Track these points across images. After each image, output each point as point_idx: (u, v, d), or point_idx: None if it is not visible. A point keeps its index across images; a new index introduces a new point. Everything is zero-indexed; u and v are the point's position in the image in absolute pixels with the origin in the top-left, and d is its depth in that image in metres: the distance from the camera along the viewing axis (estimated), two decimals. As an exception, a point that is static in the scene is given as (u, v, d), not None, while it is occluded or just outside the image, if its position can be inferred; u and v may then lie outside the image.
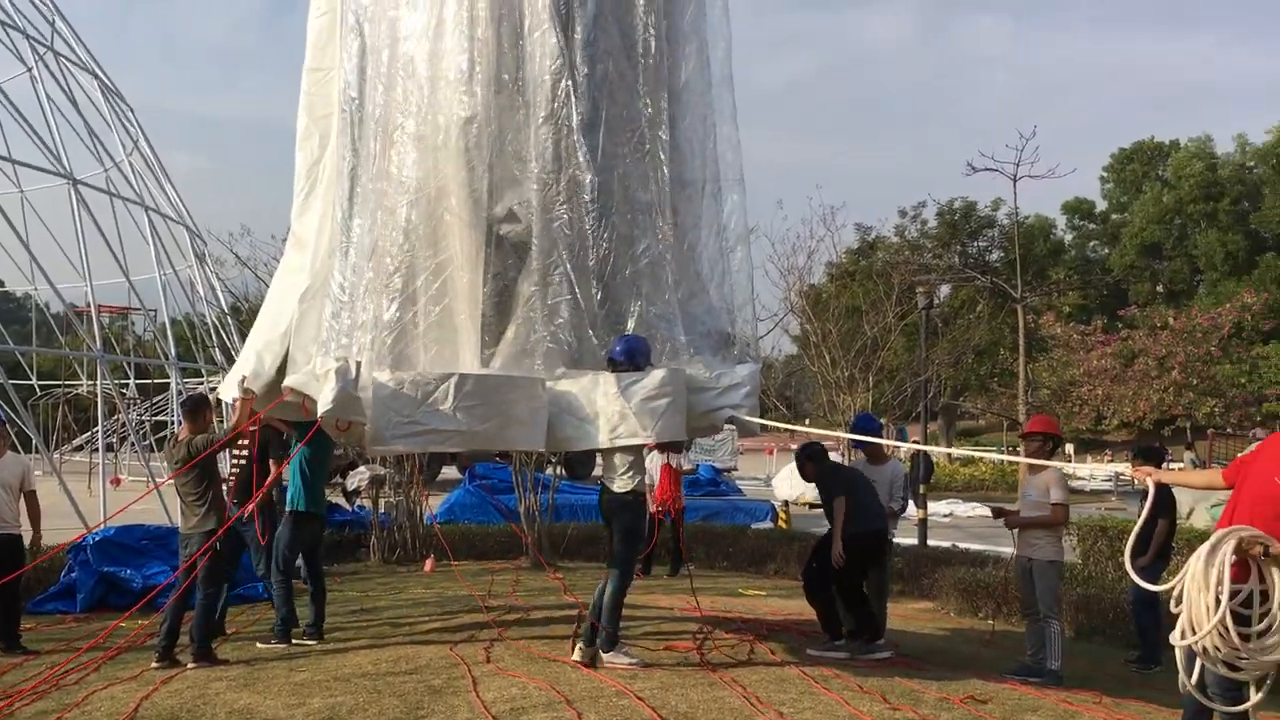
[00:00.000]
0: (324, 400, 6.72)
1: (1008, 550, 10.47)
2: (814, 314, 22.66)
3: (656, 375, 7.07)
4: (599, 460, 8.44)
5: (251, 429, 8.21)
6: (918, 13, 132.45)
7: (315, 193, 8.34)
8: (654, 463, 13.08)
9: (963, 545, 15.97)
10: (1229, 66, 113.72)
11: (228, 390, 8.46)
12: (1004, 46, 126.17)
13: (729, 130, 8.26)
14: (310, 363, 7.40)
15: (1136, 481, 6.34)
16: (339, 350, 7.07)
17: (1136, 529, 5.88)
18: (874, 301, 24.68)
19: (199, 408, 8.07)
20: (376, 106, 7.53)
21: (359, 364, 6.81)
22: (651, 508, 13.85)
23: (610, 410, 7.08)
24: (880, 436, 9.73)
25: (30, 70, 19.29)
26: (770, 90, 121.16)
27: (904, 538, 15.16)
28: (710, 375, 7.46)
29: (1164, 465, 11.05)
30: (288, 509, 8.75)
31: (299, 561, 9.00)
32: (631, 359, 7.18)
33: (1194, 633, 4.89)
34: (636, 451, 7.47)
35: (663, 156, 7.63)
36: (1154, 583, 6.08)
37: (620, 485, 7.51)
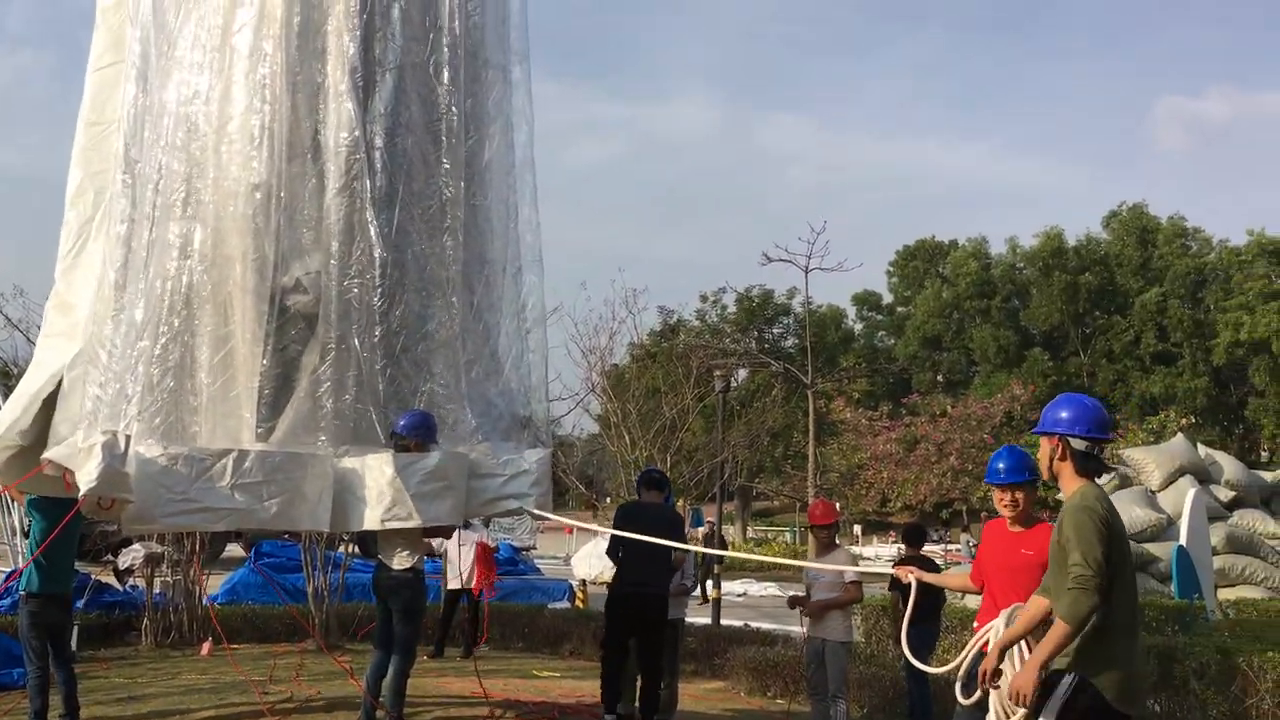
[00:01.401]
0: (87, 476, 6.29)
1: (798, 630, 10.71)
2: (615, 394, 22.99)
3: (433, 459, 6.95)
4: None
5: None
6: (720, 108, 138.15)
7: (86, 250, 7.88)
8: (458, 542, 12.87)
9: (755, 624, 16.25)
10: (1002, 174, 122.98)
11: None
12: (804, 144, 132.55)
13: (529, 212, 8.32)
14: (74, 434, 6.93)
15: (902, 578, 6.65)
16: (106, 423, 6.66)
17: (905, 623, 6.17)
18: (673, 383, 25.23)
19: None
20: (157, 169, 7.17)
21: (128, 438, 6.43)
22: (458, 584, 13.56)
23: (385, 490, 6.91)
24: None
25: None
26: (575, 173, 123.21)
27: (697, 617, 15.35)
28: (497, 461, 7.38)
29: (927, 541, 11.76)
30: (22, 591, 8.14)
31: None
32: (413, 434, 7.05)
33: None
34: (415, 530, 7.32)
35: (461, 236, 7.59)
36: (919, 654, 6.39)
37: (399, 563, 7.40)
